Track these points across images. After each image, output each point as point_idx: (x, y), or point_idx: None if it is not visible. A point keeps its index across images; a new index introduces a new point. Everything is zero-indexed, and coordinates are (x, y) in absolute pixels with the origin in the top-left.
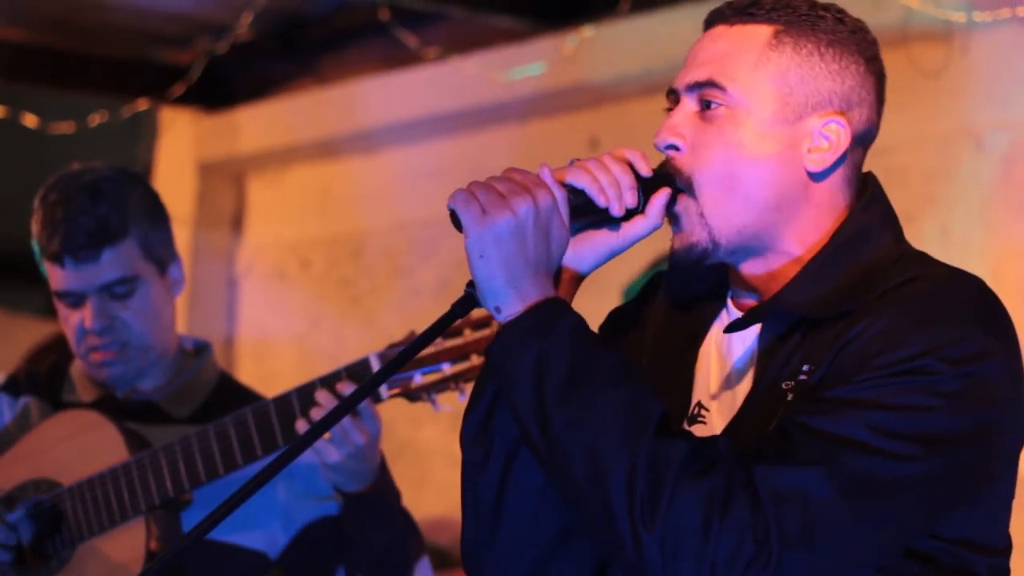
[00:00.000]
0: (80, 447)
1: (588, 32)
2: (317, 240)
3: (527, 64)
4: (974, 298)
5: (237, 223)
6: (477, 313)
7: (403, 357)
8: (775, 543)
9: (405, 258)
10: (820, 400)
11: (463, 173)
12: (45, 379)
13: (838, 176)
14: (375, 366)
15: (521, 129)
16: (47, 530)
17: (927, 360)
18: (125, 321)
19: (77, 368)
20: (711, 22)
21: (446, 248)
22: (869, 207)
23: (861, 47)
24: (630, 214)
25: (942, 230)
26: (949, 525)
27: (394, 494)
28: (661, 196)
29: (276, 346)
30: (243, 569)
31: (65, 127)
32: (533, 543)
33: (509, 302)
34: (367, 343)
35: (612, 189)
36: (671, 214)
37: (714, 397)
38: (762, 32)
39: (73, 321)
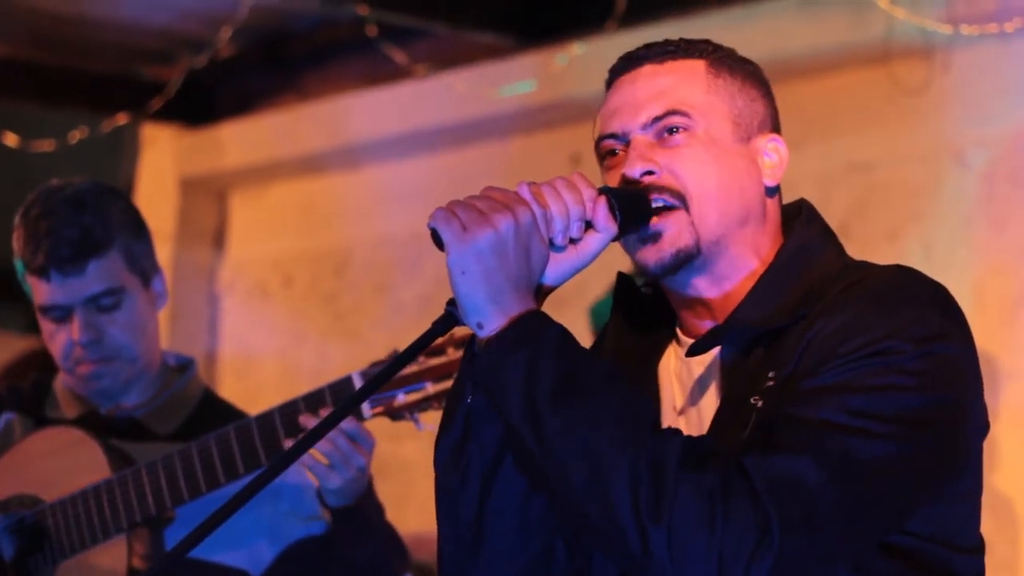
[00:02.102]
0: (63, 464)
1: (577, 50)
2: (300, 256)
3: (515, 81)
4: (926, 286)
5: (219, 239)
6: (460, 332)
7: (383, 376)
8: (777, 530)
9: (388, 274)
10: (795, 393)
11: (446, 189)
12: (28, 395)
13: (779, 194)
14: (358, 384)
15: (504, 146)
16: (29, 546)
17: (890, 342)
18: (111, 334)
19: (60, 384)
20: (633, 64)
21: (430, 265)
22: (809, 224)
23: (763, 78)
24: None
25: (925, 247)
26: (924, 521)
27: (378, 509)
28: (601, 206)
29: (259, 362)
30: None
31: (46, 144)
32: (515, 560)
33: (491, 317)
34: (351, 359)
35: (566, 215)
36: (646, 230)
37: (680, 413)
38: (697, 65)
39: (60, 337)
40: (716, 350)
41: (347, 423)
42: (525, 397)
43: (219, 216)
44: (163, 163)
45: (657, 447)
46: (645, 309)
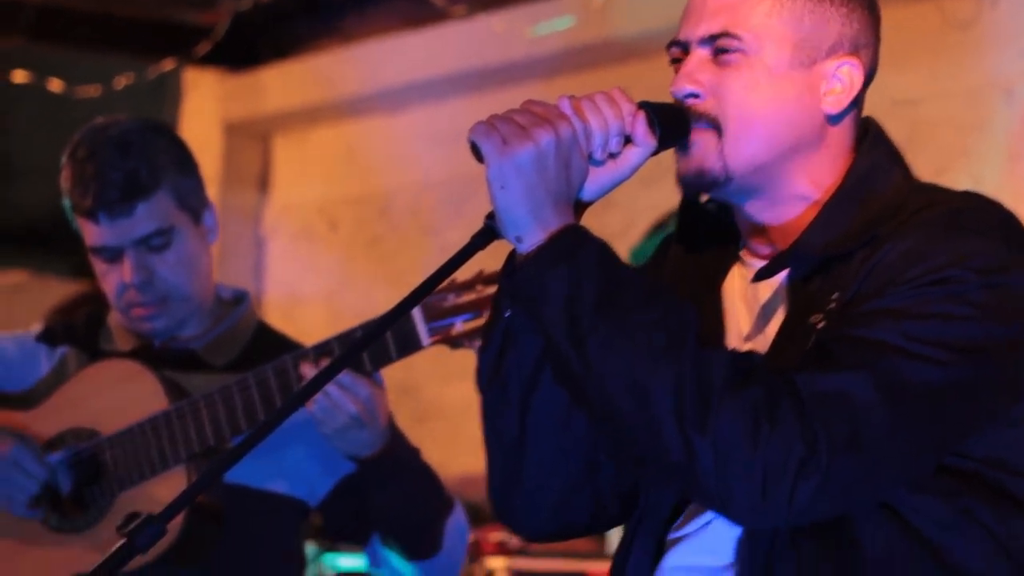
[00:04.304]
0: (119, 396)
1: None
2: (344, 199)
3: (554, 19)
4: (995, 215)
5: (263, 183)
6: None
7: (420, 292)
8: (824, 449)
9: (433, 216)
10: (854, 315)
11: None
12: (82, 329)
13: (849, 118)
14: (415, 314)
15: (546, 86)
16: (86, 479)
17: (954, 270)
18: (163, 274)
19: (115, 318)
20: None
21: (474, 206)
22: (876, 146)
23: None
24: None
25: (974, 182)
26: (981, 444)
27: (410, 452)
28: (640, 121)
29: (304, 305)
30: (282, 516)
31: (91, 90)
32: (560, 476)
33: (531, 232)
34: (395, 301)
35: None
36: (683, 144)
37: (747, 339)
38: None
39: (111, 276)
40: (782, 275)
41: (342, 374)
42: (565, 312)
43: (263, 160)
44: (207, 107)
45: (702, 359)
46: (708, 230)
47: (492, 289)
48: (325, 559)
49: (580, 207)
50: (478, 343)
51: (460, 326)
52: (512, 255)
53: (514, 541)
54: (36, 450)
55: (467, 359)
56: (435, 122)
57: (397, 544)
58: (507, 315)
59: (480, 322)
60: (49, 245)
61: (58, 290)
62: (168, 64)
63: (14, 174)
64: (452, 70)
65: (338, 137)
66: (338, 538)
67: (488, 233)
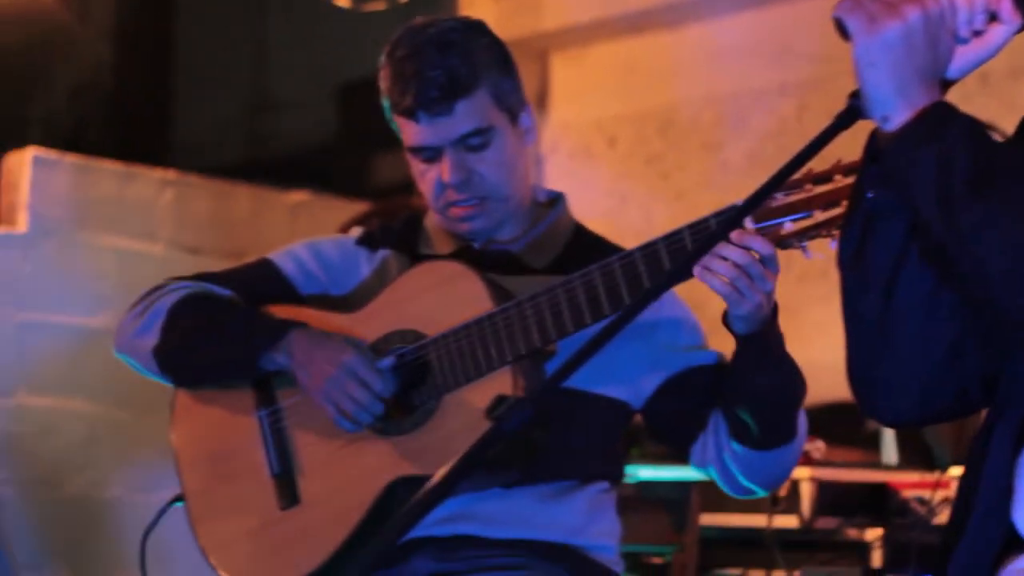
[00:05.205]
0: (444, 298)
1: None
2: (623, 117)
3: None
4: None
5: (541, 101)
6: (847, 160)
7: (781, 177)
8: None
9: (714, 133)
10: None
11: (771, 46)
12: (401, 233)
13: None
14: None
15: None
16: (411, 381)
17: None
18: (482, 173)
19: (432, 221)
20: None
21: (756, 121)
22: None
23: None
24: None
25: None
26: None
27: (779, 338)
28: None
29: (583, 223)
30: (605, 417)
31: (376, 4)
32: (924, 359)
33: (898, 110)
34: (676, 219)
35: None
36: None
37: None
38: None
39: (430, 176)
40: None
41: (762, 246)
42: (938, 189)
43: (540, 78)
44: None
45: None
46: None
47: (821, 188)
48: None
49: (945, 85)
50: (806, 243)
51: (790, 226)
52: (872, 139)
53: (817, 452)
54: (371, 358)
55: None
56: (718, 37)
57: (759, 428)
58: (870, 196)
59: (809, 222)
60: (327, 168)
61: (337, 208)
62: None
63: (295, 103)
64: None
65: (617, 53)
66: (659, 440)
67: (852, 113)
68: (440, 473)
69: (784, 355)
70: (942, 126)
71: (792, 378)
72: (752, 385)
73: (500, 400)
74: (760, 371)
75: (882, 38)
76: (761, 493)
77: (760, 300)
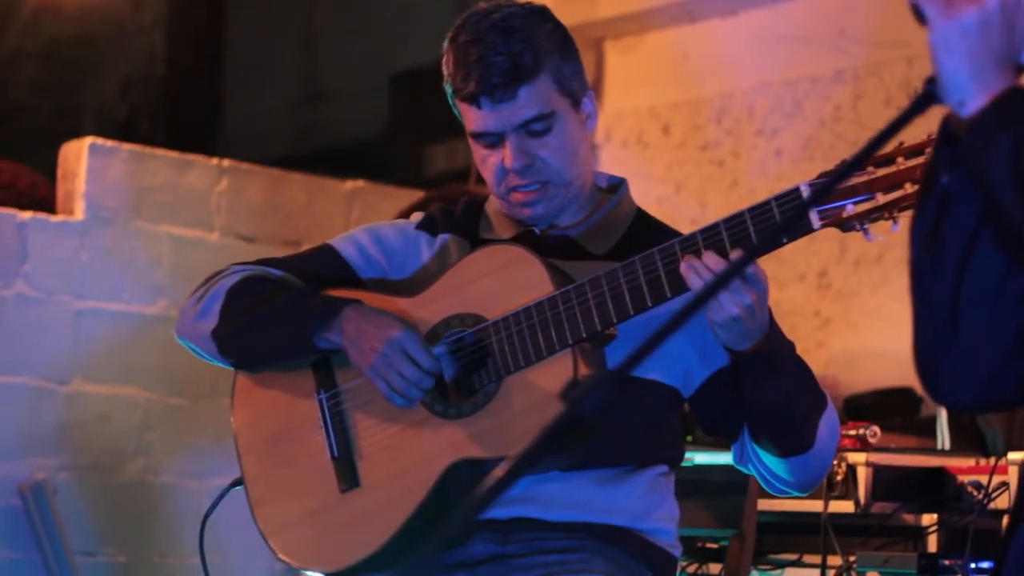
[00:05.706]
0: (504, 281)
1: None
2: (677, 104)
3: None
4: None
5: (595, 89)
6: (909, 142)
7: (864, 155)
8: None
9: (768, 120)
10: None
11: (825, 35)
12: (461, 217)
13: None
14: (805, 194)
15: None
16: (472, 364)
17: None
18: (544, 159)
19: (493, 205)
20: None
21: (810, 107)
22: None
23: None
24: None
25: None
26: None
27: (786, 347)
28: None
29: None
30: (658, 403)
31: None
32: (993, 345)
33: (975, 95)
34: (731, 206)
35: None
36: None
37: None
38: None
39: (492, 161)
40: None
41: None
42: (1015, 172)
43: (595, 66)
44: None
45: None
46: None
47: (883, 171)
48: None
49: (1020, 70)
50: (868, 225)
51: (851, 209)
52: (945, 124)
53: (873, 437)
54: (419, 335)
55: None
56: (772, 25)
57: (769, 439)
58: (944, 180)
59: (870, 205)
60: (379, 157)
61: (392, 196)
62: None
63: (346, 92)
64: None
65: (671, 41)
66: (707, 431)
67: (928, 98)
68: (514, 455)
69: (792, 366)
70: (1019, 111)
71: (790, 397)
72: (747, 400)
73: (575, 383)
74: (753, 388)
75: (959, 23)
76: (795, 493)
77: (737, 313)
